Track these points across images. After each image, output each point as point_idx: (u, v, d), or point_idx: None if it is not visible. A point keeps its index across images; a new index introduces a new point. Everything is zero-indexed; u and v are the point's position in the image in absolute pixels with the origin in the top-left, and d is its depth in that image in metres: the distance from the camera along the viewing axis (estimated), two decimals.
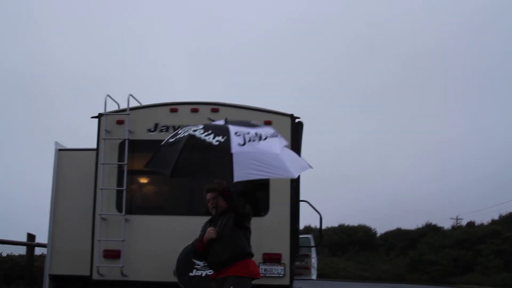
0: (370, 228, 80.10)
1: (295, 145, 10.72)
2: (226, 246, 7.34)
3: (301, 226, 11.89)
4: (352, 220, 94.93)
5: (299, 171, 7.11)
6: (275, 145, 6.89)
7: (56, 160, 12.01)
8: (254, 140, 6.77)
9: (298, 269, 15.74)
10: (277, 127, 10.49)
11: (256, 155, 6.59)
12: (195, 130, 6.76)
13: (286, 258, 10.35)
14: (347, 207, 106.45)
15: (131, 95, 10.96)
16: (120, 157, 10.75)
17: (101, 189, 10.62)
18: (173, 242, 10.28)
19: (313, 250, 18.05)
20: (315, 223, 66.40)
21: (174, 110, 10.89)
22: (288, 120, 10.79)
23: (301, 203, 11.57)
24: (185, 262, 9.95)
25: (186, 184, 10.94)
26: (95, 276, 10.51)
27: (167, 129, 10.75)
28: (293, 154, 7.41)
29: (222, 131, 6.75)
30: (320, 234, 13.16)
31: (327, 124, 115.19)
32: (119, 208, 10.60)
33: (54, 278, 11.85)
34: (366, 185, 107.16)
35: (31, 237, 16.54)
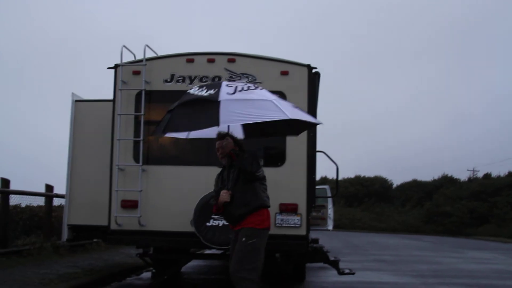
0: (386, 180, 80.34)
1: (312, 96, 10.67)
2: (239, 204, 7.41)
3: (318, 177, 11.91)
4: (369, 172, 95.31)
5: (296, 115, 7.02)
6: (270, 95, 6.92)
7: (73, 111, 12.03)
8: (246, 90, 6.86)
9: (314, 220, 15.84)
10: (294, 77, 10.54)
11: (245, 101, 6.66)
12: (191, 89, 7.07)
13: (302, 208, 10.38)
14: (363, 158, 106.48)
15: (147, 45, 10.91)
16: (137, 108, 10.73)
17: (118, 139, 10.65)
18: (190, 192, 10.32)
19: (330, 200, 18.15)
20: (331, 174, 66.66)
21: (190, 61, 10.84)
22: (305, 71, 10.70)
23: (317, 153, 11.58)
24: (202, 212, 9.98)
25: None
26: (113, 226, 10.60)
27: (183, 79, 10.72)
28: (299, 109, 7.39)
29: (215, 85, 6.92)
30: (336, 185, 13.18)
31: (345, 75, 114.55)
32: (136, 158, 10.64)
33: (72, 228, 11.98)
34: (383, 137, 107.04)
35: (49, 188, 16.72)
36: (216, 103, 6.50)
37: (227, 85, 6.87)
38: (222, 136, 7.61)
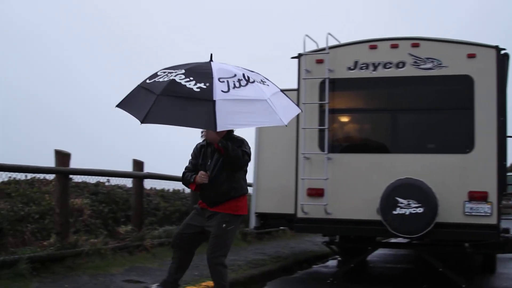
0: None
1: (501, 79, 10.25)
2: (218, 190, 7.25)
3: (508, 164, 11.43)
4: None
5: (289, 117, 6.73)
6: (264, 90, 6.54)
7: None
8: (239, 87, 6.42)
9: (504, 209, 15.23)
10: (481, 60, 10.17)
11: (240, 102, 6.29)
12: (176, 75, 6.44)
13: (493, 197, 9.97)
14: None
15: (329, 33, 10.92)
16: (321, 96, 10.77)
17: (303, 128, 10.76)
18: (376, 180, 10.24)
19: None
20: None
21: (373, 47, 10.72)
22: (492, 53, 10.24)
23: (508, 139, 11.14)
24: (388, 200, 9.87)
25: (389, 121, 10.84)
26: (300, 214, 10.72)
27: (367, 66, 10.63)
28: (285, 99, 6.96)
29: (205, 77, 6.38)
30: None
31: None
32: (321, 147, 10.69)
33: (260, 216, 12.25)
34: None
35: None
36: (211, 103, 6.08)
37: (219, 79, 6.40)
38: None
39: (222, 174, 7.26)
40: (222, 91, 6.23)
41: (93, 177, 11.82)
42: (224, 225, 7.20)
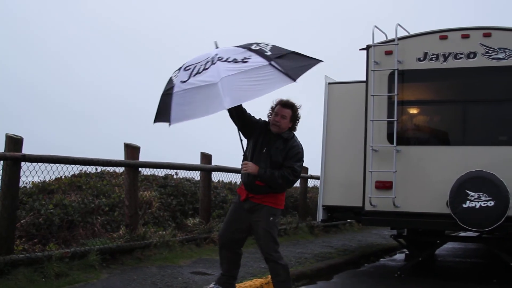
0: None
1: None
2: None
3: None
4: None
5: (259, 94, 6.41)
6: (223, 70, 6.41)
7: (327, 93, 12.22)
8: (201, 72, 6.51)
9: None
10: None
11: (192, 90, 6.42)
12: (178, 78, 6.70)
13: None
14: None
15: (398, 24, 10.76)
16: (390, 88, 10.64)
17: (372, 120, 10.63)
18: (446, 172, 10.08)
19: None
20: None
21: (443, 38, 10.53)
22: None
23: None
24: (458, 193, 9.70)
25: (459, 113, 10.65)
26: (367, 207, 10.63)
27: (437, 57, 10.45)
28: (269, 73, 6.49)
29: (179, 68, 6.76)
30: None
31: None
32: (390, 139, 10.56)
33: (327, 209, 12.19)
34: None
35: (304, 169, 17.18)
36: (170, 96, 6.45)
37: (185, 68, 6.68)
38: (291, 105, 7.29)
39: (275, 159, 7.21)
40: (181, 81, 6.57)
41: (162, 170, 11.98)
42: (271, 218, 7.22)
